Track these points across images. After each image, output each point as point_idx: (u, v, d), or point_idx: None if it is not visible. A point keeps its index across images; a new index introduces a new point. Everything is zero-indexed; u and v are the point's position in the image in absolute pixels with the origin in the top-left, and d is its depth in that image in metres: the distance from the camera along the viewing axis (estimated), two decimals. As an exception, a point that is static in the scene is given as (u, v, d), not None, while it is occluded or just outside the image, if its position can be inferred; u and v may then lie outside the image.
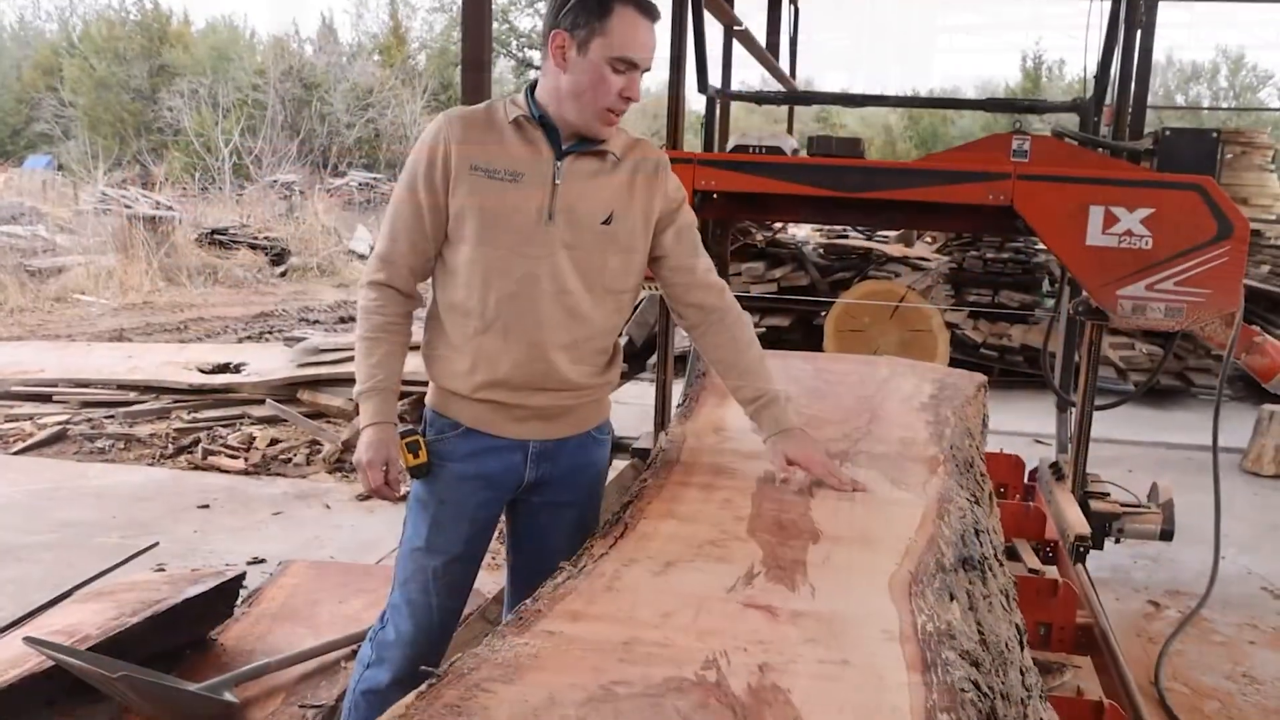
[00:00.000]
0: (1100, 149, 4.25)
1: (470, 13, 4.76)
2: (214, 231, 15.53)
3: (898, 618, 1.50)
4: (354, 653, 3.36)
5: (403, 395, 6.99)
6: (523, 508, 2.31)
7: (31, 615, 3.52)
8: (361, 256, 17.56)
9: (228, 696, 2.98)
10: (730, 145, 4.49)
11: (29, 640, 2.89)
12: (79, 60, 33.55)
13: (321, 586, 3.93)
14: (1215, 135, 4.08)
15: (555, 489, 2.25)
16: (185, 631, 3.38)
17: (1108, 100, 4.81)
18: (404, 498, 2.34)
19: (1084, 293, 3.93)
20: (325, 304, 13.61)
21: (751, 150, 4.40)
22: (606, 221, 2.11)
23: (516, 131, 2.09)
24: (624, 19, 2.00)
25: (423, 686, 1.24)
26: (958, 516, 1.99)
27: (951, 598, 1.59)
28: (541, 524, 2.29)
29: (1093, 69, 4.91)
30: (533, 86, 2.15)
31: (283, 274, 15.27)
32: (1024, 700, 1.61)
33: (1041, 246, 10.08)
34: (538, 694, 1.23)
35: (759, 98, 5.86)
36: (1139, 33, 4.21)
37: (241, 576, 3.56)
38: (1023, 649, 1.81)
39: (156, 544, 4.44)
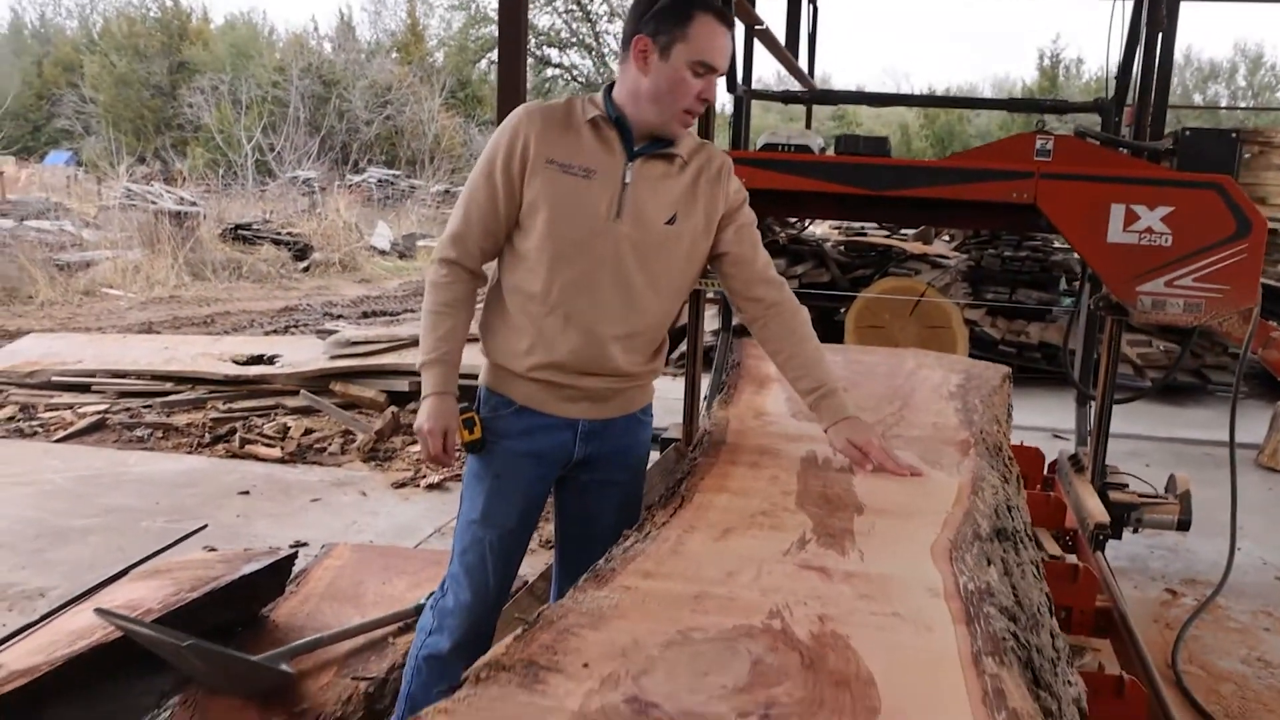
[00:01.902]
0: (1121, 148, 4.37)
1: (506, 21, 4.88)
2: (238, 227, 15.73)
3: (940, 579, 1.63)
4: (401, 629, 3.51)
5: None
6: (571, 486, 2.43)
7: (92, 591, 3.66)
8: (382, 252, 17.76)
9: (285, 668, 3.11)
10: (759, 143, 4.61)
11: (99, 612, 3.04)
12: (99, 57, 33.86)
13: (364, 568, 4.07)
14: (1234, 135, 4.20)
15: (602, 467, 2.38)
16: (240, 608, 3.52)
17: (1128, 100, 4.94)
18: (457, 476, 2.48)
19: (1105, 288, 4.05)
20: (347, 299, 13.78)
21: (781, 149, 4.52)
22: (670, 222, 2.23)
23: (593, 130, 2.21)
24: (704, 26, 2.12)
25: (518, 630, 1.38)
26: (990, 493, 2.12)
27: (989, 563, 1.73)
28: (589, 502, 2.41)
29: (1114, 70, 5.03)
30: (609, 87, 2.27)
31: (305, 269, 15.46)
32: (1054, 661, 1.73)
33: (1060, 245, 10.22)
34: (623, 637, 1.36)
35: (785, 97, 5.99)
36: (1160, 35, 4.32)
37: (294, 555, 3.70)
38: (1051, 615, 1.94)
39: (205, 526, 4.59)
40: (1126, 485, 4.51)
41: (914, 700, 1.23)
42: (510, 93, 4.92)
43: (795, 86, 6.62)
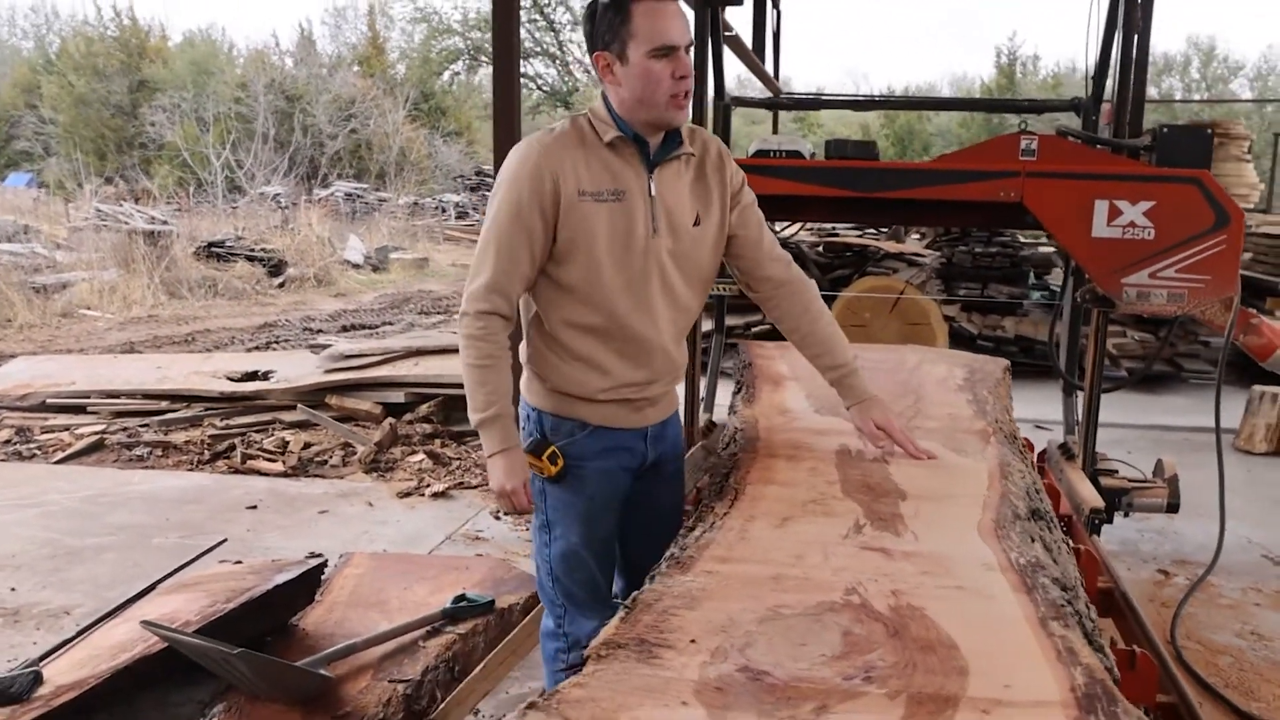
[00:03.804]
0: (1102, 146, 4.53)
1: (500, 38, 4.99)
2: (211, 244, 15.69)
3: (993, 555, 1.76)
4: (429, 633, 3.60)
5: (424, 398, 7.12)
6: (640, 483, 2.45)
7: (124, 606, 3.73)
8: (356, 266, 17.75)
9: (324, 673, 3.20)
10: (751, 150, 4.74)
11: (146, 624, 3.11)
12: (57, 77, 33.54)
13: (384, 575, 4.15)
14: (1209, 131, 4.37)
15: (665, 464, 2.47)
16: (273, 617, 3.59)
17: (1105, 98, 5.12)
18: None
19: (1090, 281, 4.20)
20: (325, 313, 13.78)
21: (772, 154, 4.65)
22: (696, 224, 2.31)
23: (612, 151, 2.23)
24: (644, 13, 2.12)
25: (621, 612, 1.49)
26: (1019, 477, 2.26)
27: (1032, 539, 1.86)
28: (656, 497, 2.47)
29: (1089, 69, 5.21)
30: (608, 104, 2.26)
31: (281, 285, 15.45)
32: (1095, 631, 1.86)
33: (1028, 239, 10.46)
34: (718, 616, 1.48)
35: (770, 104, 6.14)
36: (1136, 36, 4.49)
37: (323, 565, 3.79)
38: (1083, 590, 2.07)
39: (225, 540, 4.65)
40: (1116, 471, 4.68)
41: (996, 660, 1.36)
42: (506, 103, 5.05)
43: (756, 91, 6.76)
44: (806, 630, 1.44)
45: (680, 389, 4.70)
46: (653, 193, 2.25)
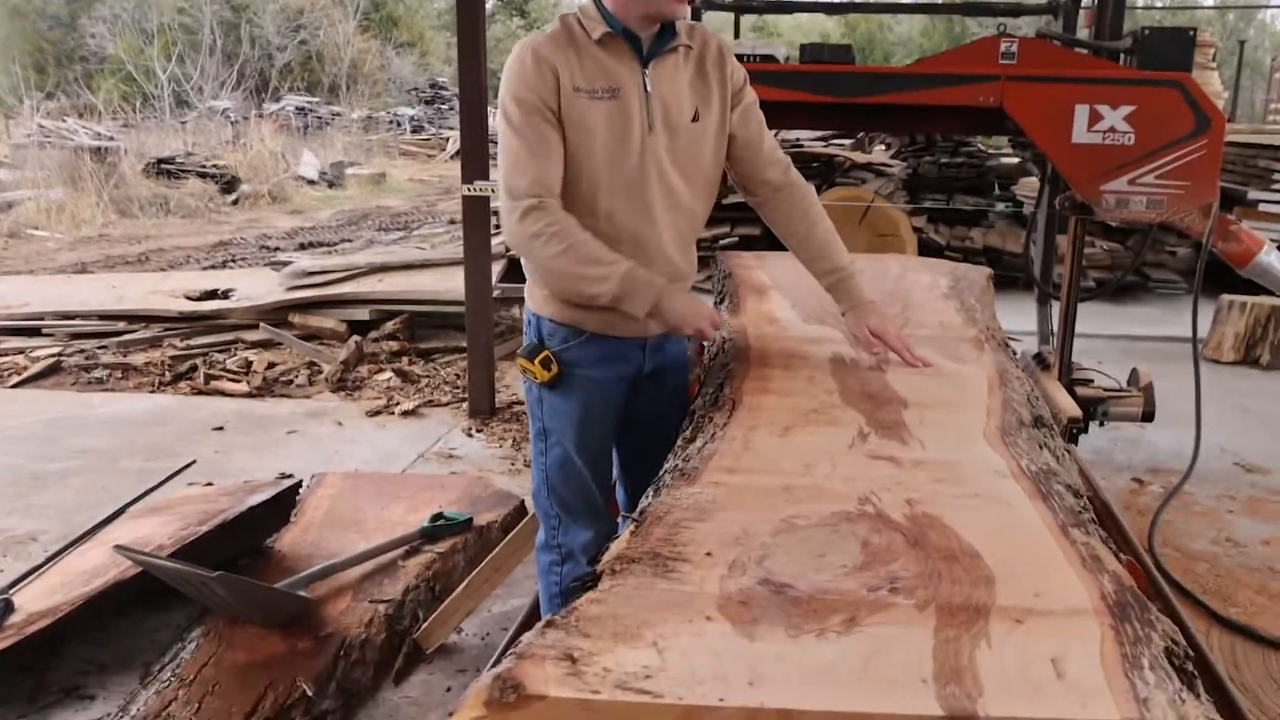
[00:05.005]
0: (1083, 49, 4.45)
1: None
2: (160, 161, 15.30)
3: (1003, 462, 1.72)
4: (408, 552, 3.56)
5: (389, 315, 6.98)
6: (639, 395, 2.41)
7: (93, 531, 3.64)
8: (311, 182, 17.38)
9: (303, 594, 3.15)
10: (725, 55, 4.61)
11: (119, 549, 3.03)
12: (-12, -13, 32.29)
13: (359, 495, 4.09)
14: (1191, 34, 4.29)
15: (666, 375, 2.41)
16: (247, 539, 3.53)
17: (1084, 2, 5.02)
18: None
19: (1069, 189, 4.15)
20: (281, 231, 13.52)
21: (746, 59, 4.52)
22: (695, 119, 2.23)
23: (603, 49, 2.16)
24: None
25: (631, 526, 1.43)
26: (1018, 384, 2.22)
27: (1040, 446, 1.82)
28: (657, 408, 2.42)
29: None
30: (598, 2, 2.20)
31: (234, 202, 15.13)
32: (1106, 539, 1.84)
33: (994, 149, 10.40)
34: (732, 528, 1.43)
35: (740, 8, 5.98)
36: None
37: (298, 485, 3.71)
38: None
39: (194, 462, 4.55)
40: (1092, 380, 4.68)
41: (1021, 568, 1.32)
42: (470, 24, 4.89)
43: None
44: (824, 541, 1.39)
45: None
46: (648, 89, 2.18)
